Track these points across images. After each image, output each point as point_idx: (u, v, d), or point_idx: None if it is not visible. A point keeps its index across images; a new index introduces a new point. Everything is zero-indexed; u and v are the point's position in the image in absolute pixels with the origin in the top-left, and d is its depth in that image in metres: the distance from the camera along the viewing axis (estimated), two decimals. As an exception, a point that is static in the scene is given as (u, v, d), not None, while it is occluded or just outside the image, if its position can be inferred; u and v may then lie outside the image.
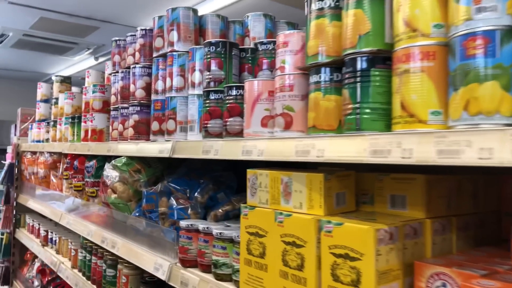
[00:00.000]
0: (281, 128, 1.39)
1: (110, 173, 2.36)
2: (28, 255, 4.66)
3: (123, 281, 2.34)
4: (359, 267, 1.05)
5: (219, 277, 1.62)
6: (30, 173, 4.37)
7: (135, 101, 2.36)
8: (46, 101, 4.43)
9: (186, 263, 1.80)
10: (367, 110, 1.11)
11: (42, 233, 3.85)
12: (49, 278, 3.86)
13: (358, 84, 1.14)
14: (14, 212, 4.72)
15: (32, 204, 4.13)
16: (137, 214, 2.25)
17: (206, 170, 2.17)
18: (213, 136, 1.75)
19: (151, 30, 2.37)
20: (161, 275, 1.89)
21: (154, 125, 2.13)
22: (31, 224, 4.36)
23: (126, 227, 2.34)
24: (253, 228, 1.40)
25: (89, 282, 2.78)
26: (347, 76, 1.18)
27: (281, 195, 1.33)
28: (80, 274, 2.96)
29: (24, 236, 4.41)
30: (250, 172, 1.44)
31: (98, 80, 3.61)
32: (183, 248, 1.80)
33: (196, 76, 1.90)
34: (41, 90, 4.42)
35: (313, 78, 1.29)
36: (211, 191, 2.03)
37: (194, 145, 1.75)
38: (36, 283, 4.00)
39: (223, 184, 2.07)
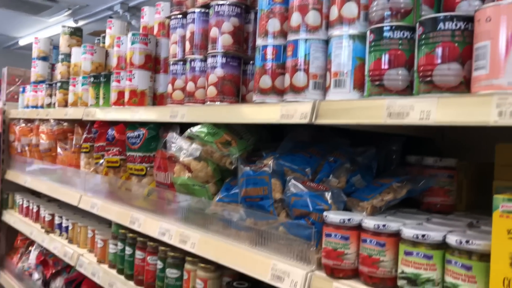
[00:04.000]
0: None
1: (184, 146, 1.77)
2: (19, 241, 3.97)
3: (198, 287, 1.78)
4: None
5: (418, 299, 1.10)
6: (24, 144, 3.65)
7: (219, 51, 1.76)
8: (45, 58, 3.69)
9: (339, 273, 1.27)
10: None
11: (46, 217, 3.18)
12: (54, 271, 3.22)
13: None
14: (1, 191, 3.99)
15: (28, 181, 3.43)
16: (226, 200, 1.69)
17: (329, 144, 1.62)
18: (391, 93, 1.21)
19: (242, -46, 1.77)
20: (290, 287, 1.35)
21: (264, 81, 1.55)
22: (25, 205, 3.66)
23: (205, 217, 1.77)
24: (530, 233, 0.89)
25: (132, 282, 2.20)
26: None
27: None
28: (113, 271, 2.36)
29: (16, 219, 3.71)
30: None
31: (123, 33, 2.94)
32: (334, 252, 1.27)
33: (349, 8, 1.33)
34: (38, 45, 3.67)
35: None
36: (348, 172, 1.50)
37: (367, 105, 1.20)
38: (36, 276, 3.35)
39: (357, 164, 1.54)
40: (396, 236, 1.19)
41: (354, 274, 1.27)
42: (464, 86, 1.08)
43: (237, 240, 1.63)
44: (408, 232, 1.13)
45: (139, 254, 2.16)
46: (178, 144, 1.81)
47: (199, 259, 1.82)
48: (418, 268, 1.10)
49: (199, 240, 1.75)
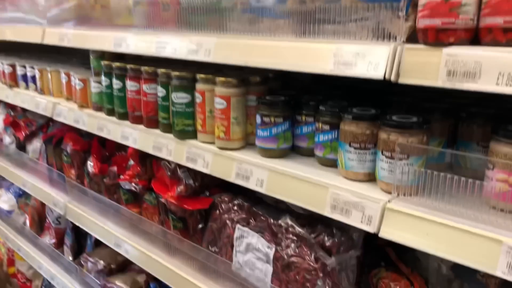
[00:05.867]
0: None
1: None
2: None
3: (219, 107, 1.39)
4: None
5: None
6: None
7: None
8: None
9: (449, 37, 0.88)
10: None
11: (6, 69, 2.64)
12: (28, 133, 2.80)
13: None
14: None
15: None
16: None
17: None
18: None
19: None
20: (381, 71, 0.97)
21: None
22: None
23: (221, 16, 1.31)
24: None
25: (127, 121, 1.80)
26: None
27: None
28: (101, 114, 1.95)
29: (-30, 82, 3.15)
30: None
31: None
32: (443, 5, 0.86)
33: None
34: None
35: None
36: None
37: None
38: (7, 139, 2.92)
39: None
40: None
41: (470, 37, 0.88)
42: None
43: (273, 35, 1.20)
44: None
45: (131, 85, 1.72)
46: None
47: (214, 75, 1.41)
48: None
49: (216, 45, 1.31)
